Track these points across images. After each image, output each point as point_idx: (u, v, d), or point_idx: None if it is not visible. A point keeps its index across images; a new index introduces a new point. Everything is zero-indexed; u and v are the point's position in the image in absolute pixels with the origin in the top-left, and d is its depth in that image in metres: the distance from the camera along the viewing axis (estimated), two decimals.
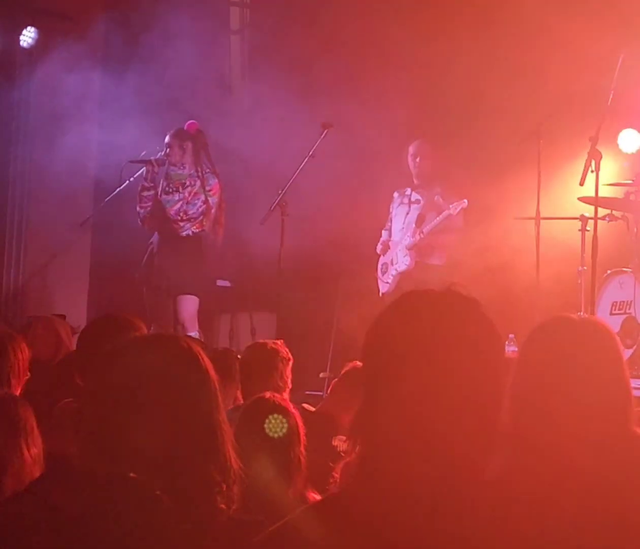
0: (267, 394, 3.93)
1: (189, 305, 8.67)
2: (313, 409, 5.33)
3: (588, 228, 8.39)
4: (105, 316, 4.65)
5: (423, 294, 2.18)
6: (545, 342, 2.73)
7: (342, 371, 5.23)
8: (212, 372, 2.46)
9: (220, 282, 10.87)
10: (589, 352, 2.70)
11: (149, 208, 8.81)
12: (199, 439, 2.37)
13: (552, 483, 2.54)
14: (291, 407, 3.91)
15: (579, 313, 8.24)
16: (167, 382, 2.38)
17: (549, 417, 2.62)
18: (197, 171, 8.74)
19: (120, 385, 2.37)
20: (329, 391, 5.10)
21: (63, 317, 7.17)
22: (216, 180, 8.77)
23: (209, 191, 8.71)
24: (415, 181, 9.23)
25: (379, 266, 9.35)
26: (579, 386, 2.65)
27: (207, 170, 8.78)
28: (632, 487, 2.59)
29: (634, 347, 8.25)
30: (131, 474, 1.64)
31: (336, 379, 5.24)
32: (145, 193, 8.83)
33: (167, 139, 8.83)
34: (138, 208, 8.86)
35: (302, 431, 3.78)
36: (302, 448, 3.72)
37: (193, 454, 2.36)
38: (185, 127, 8.84)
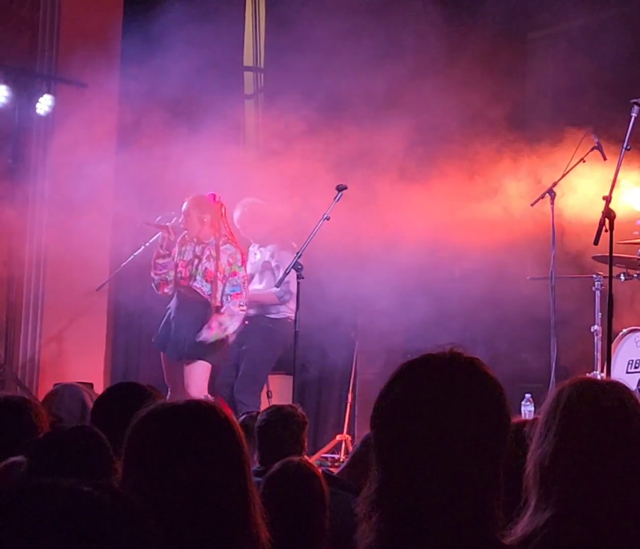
0: (295, 459, 3.93)
1: (197, 370, 8.56)
2: (334, 473, 5.30)
3: (603, 286, 8.42)
4: (123, 384, 4.67)
5: (425, 360, 2.21)
6: (570, 409, 2.69)
7: (364, 438, 5.18)
8: (244, 441, 2.48)
9: None
10: (615, 419, 2.67)
11: (163, 274, 8.75)
12: (230, 509, 2.38)
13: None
14: (318, 472, 3.91)
15: (594, 372, 8.26)
16: (204, 452, 2.39)
17: (577, 484, 2.59)
18: (215, 239, 8.65)
19: (156, 452, 2.39)
20: (348, 457, 5.07)
21: (91, 385, 7.14)
22: (239, 252, 8.70)
23: (241, 265, 8.66)
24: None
25: None
26: (608, 453, 2.62)
27: (225, 238, 8.72)
28: None
29: None
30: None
31: (355, 445, 5.20)
32: (160, 260, 8.73)
33: (185, 206, 8.68)
34: (153, 274, 8.76)
35: (327, 496, 3.78)
36: (326, 514, 3.72)
37: (224, 523, 2.37)
38: (206, 197, 8.77)
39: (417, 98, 9.37)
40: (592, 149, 8.25)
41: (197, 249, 8.68)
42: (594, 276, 8.59)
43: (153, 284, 8.82)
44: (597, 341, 8.54)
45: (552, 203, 8.36)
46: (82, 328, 10.26)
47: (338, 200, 8.27)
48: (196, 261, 8.63)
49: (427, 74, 9.46)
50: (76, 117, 9.90)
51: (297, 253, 8.24)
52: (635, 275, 8.56)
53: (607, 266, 7.28)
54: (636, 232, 8.84)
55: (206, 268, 8.58)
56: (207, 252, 8.60)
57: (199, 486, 2.36)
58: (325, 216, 8.32)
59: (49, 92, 10.22)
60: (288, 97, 10.07)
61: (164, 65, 9.82)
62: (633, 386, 8.38)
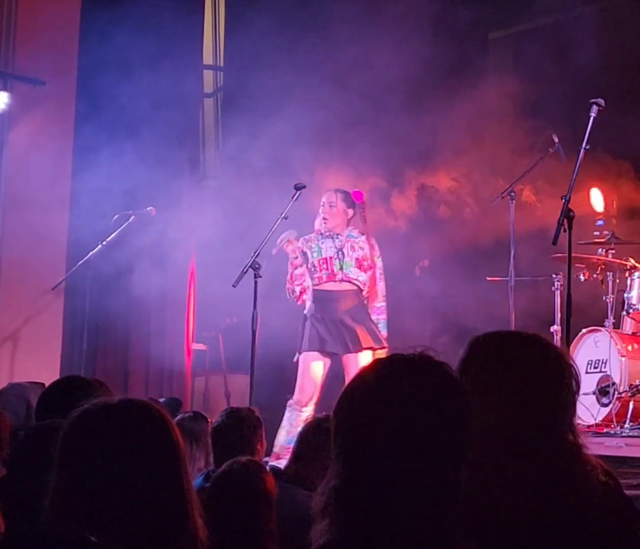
0: (242, 459, 3.90)
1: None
2: (282, 468, 5.25)
3: (562, 287, 8.44)
4: (66, 378, 4.57)
5: (392, 360, 2.19)
6: (484, 361, 2.65)
7: (301, 432, 5.13)
8: (180, 439, 2.43)
9: (195, 346, 10.83)
10: (528, 368, 2.62)
11: (303, 282, 8.59)
12: (166, 508, 2.34)
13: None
14: (267, 472, 3.88)
15: None
16: (137, 450, 2.34)
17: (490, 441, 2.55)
18: (360, 231, 8.53)
19: (90, 452, 2.33)
20: (292, 452, 5.03)
21: (42, 385, 7.01)
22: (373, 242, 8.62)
23: (379, 256, 8.59)
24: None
25: None
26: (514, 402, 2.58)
27: (365, 229, 8.60)
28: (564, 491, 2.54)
29: (610, 406, 8.25)
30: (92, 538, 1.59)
31: (297, 440, 5.13)
32: (298, 271, 8.53)
33: (330, 198, 8.54)
34: (294, 286, 8.59)
35: (274, 496, 3.75)
36: (273, 512, 3.69)
37: (161, 522, 2.32)
38: (351, 194, 8.56)
39: (377, 96, 9.36)
40: (551, 149, 8.26)
41: (337, 242, 8.54)
42: (553, 276, 8.61)
43: (292, 296, 8.60)
44: (557, 341, 8.54)
45: (512, 203, 8.36)
46: (37, 328, 10.15)
47: (296, 199, 8.21)
48: (341, 254, 8.45)
49: (389, 76, 9.45)
50: (33, 115, 9.82)
51: (255, 252, 8.17)
52: (594, 275, 8.58)
53: (566, 266, 7.29)
54: (596, 233, 8.86)
55: (356, 258, 8.46)
56: (349, 244, 8.48)
57: (132, 485, 2.31)
58: (283, 215, 8.26)
59: (5, 89, 10.11)
60: (248, 96, 10.03)
61: (122, 63, 9.76)
62: (592, 386, 8.40)
